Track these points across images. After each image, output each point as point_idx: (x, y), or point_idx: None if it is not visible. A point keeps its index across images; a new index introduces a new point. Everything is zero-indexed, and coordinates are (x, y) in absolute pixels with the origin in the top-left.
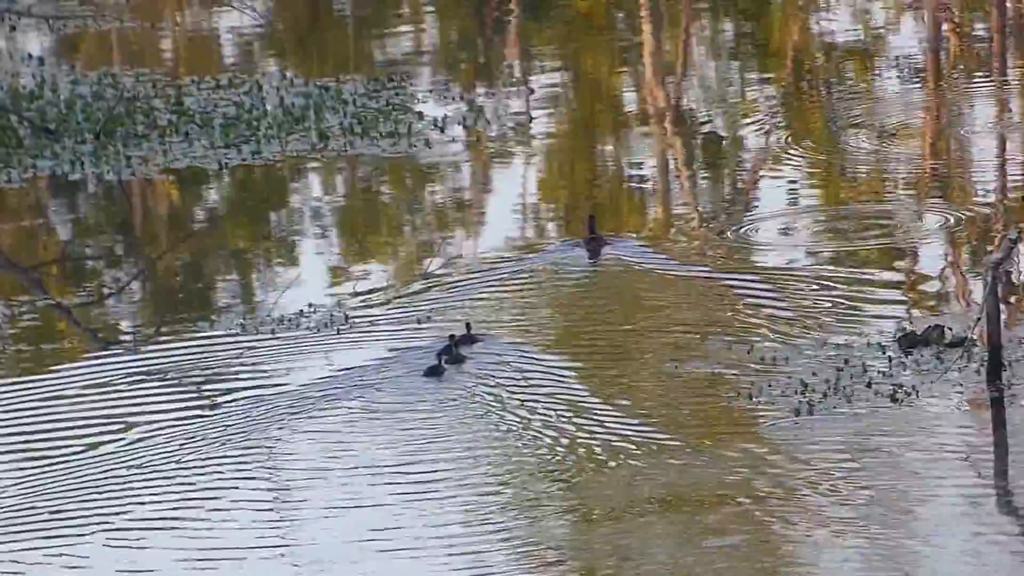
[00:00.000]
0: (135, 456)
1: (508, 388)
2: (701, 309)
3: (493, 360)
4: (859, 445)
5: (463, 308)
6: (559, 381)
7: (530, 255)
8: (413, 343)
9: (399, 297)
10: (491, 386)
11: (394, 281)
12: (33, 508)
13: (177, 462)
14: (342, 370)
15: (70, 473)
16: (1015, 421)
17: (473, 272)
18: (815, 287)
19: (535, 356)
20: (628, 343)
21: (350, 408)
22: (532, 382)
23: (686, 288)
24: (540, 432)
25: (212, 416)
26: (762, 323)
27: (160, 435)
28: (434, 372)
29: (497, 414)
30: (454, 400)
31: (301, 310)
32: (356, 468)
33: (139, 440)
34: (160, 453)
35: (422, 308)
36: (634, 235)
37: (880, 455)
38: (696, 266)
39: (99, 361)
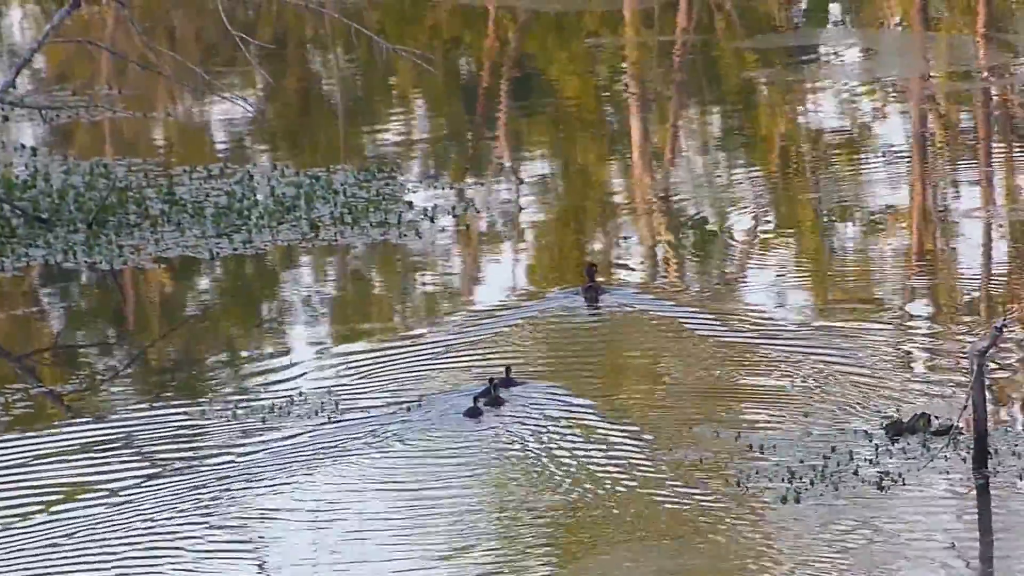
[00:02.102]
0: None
1: (514, 448)
2: (694, 372)
3: (518, 408)
4: (846, 532)
5: (457, 377)
6: (555, 446)
7: (529, 301)
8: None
9: (389, 381)
10: (507, 438)
11: (384, 365)
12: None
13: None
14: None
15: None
16: (1001, 509)
17: (467, 330)
18: (801, 372)
19: (552, 412)
20: (623, 411)
21: (387, 447)
22: (530, 441)
23: (681, 342)
24: (528, 511)
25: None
26: (748, 402)
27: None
28: (473, 413)
29: (481, 477)
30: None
31: (291, 398)
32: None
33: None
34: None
35: (413, 387)
36: (631, 284)
37: (867, 542)
38: (689, 313)
39: (81, 438)
